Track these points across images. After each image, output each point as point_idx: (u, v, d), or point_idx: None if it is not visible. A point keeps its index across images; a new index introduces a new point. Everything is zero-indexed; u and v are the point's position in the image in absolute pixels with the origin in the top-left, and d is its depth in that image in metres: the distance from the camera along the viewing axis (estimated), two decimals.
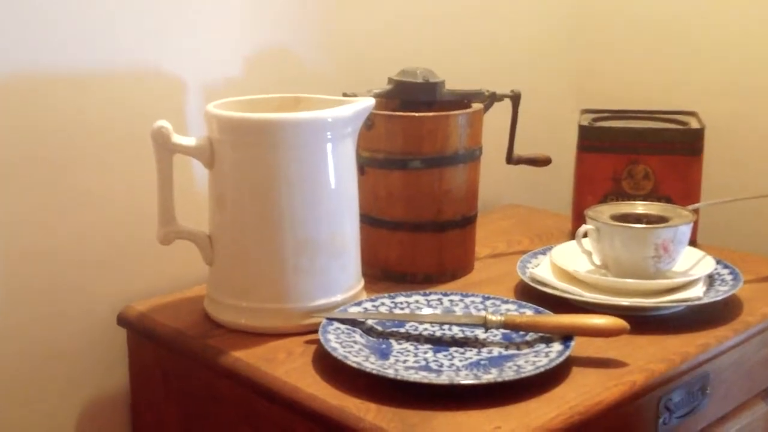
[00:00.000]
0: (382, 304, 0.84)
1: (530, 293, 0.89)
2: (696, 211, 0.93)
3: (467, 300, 0.86)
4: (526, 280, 0.89)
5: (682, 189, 0.99)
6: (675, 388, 0.78)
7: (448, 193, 0.94)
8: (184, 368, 0.83)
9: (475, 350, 0.77)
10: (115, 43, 0.88)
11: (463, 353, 0.76)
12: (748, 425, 0.90)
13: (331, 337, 0.76)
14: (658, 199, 0.99)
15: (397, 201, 0.94)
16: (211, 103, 0.84)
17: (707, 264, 0.90)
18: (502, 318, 0.77)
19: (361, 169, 0.95)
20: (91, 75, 0.86)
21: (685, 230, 0.87)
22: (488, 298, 0.85)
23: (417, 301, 0.86)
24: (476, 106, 0.96)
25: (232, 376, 0.76)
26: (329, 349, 0.74)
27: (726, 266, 0.91)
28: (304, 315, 0.81)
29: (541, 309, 0.82)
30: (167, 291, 0.92)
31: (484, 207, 1.27)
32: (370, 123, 0.92)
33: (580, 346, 0.76)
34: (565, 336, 0.76)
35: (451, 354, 0.76)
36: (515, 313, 0.82)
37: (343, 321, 0.80)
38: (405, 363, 0.74)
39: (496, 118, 1.01)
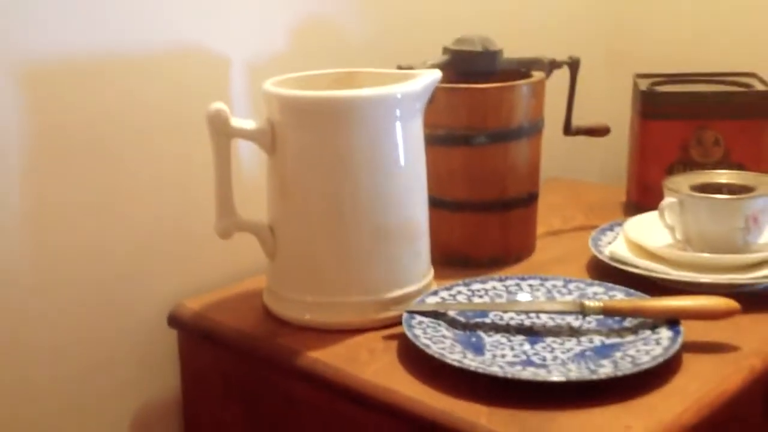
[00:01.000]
0: (459, 292, 0.78)
1: (605, 272, 0.84)
2: None
3: (548, 284, 0.80)
4: (605, 259, 0.84)
5: (754, 154, 0.94)
6: None
7: (513, 170, 0.88)
8: (250, 371, 0.76)
9: (574, 340, 0.71)
10: (157, 19, 0.80)
11: (562, 344, 0.70)
12: None
13: (418, 332, 0.70)
14: (730, 167, 0.94)
15: (459, 179, 0.87)
16: (268, 80, 0.76)
17: None
18: (600, 304, 0.72)
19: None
20: (136, 54, 0.79)
21: None
22: (570, 281, 0.80)
23: (494, 288, 0.79)
24: (538, 74, 0.90)
25: (312, 378, 0.70)
26: (421, 346, 0.67)
27: None
28: (379, 308, 0.75)
29: (631, 291, 0.76)
30: (219, 285, 0.85)
31: None
32: (430, 96, 0.85)
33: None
34: (669, 320, 0.71)
35: (549, 346, 0.70)
36: (604, 296, 0.76)
37: (424, 314, 0.74)
38: (504, 358, 0.68)
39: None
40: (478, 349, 0.70)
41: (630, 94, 1.04)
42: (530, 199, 0.91)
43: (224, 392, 0.80)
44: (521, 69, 0.92)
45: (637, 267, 0.82)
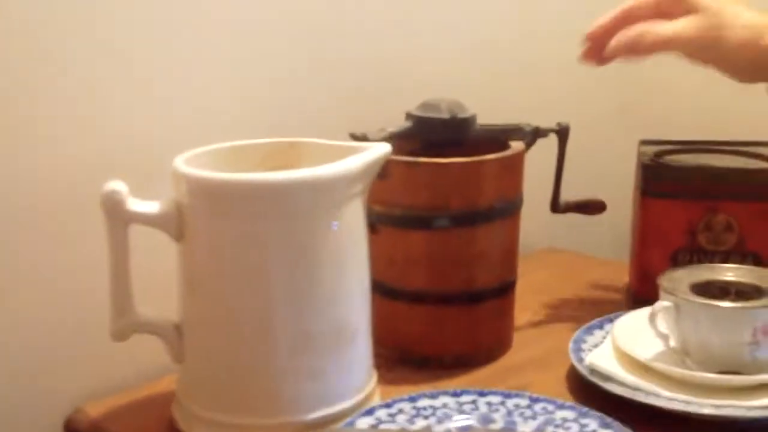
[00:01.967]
0: (401, 411, 0.66)
1: (585, 386, 0.71)
2: None
3: (510, 403, 0.66)
4: (584, 372, 0.70)
5: None
6: None
7: (482, 257, 0.75)
8: None
9: None
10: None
11: None
12: None
13: None
14: (744, 257, 0.80)
15: (418, 267, 0.75)
16: (181, 155, 0.65)
17: None
18: None
19: (373, 227, 0.76)
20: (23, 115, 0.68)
21: None
22: (537, 401, 0.66)
23: (445, 405, 0.67)
24: (516, 145, 0.77)
25: None
26: None
27: None
28: (302, 431, 0.63)
29: (608, 420, 0.63)
30: (131, 384, 0.74)
31: (519, 252, 1.08)
32: (383, 171, 0.73)
33: None
34: None
35: None
36: (573, 425, 0.63)
37: None
38: None
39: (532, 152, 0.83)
40: None
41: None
42: (504, 290, 0.78)
43: None
44: (500, 138, 0.79)
45: (620, 384, 0.68)
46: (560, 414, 0.65)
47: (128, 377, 0.73)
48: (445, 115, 0.75)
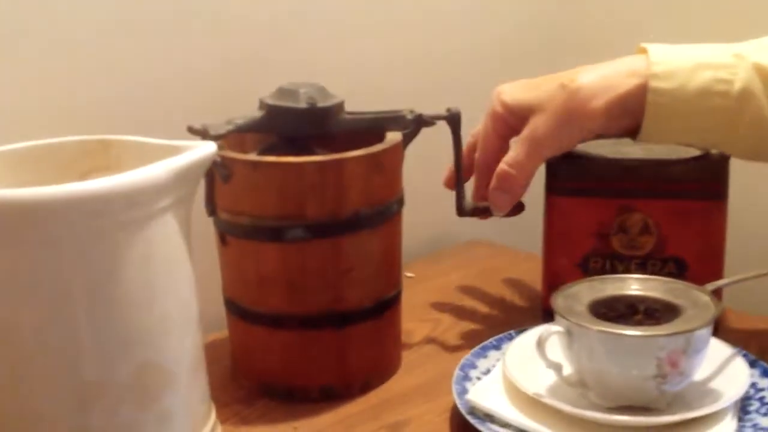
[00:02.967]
0: None
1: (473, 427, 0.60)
2: (719, 292, 0.63)
3: None
4: (462, 409, 0.59)
5: (698, 249, 0.68)
6: None
7: (349, 273, 0.63)
8: None
9: None
10: None
11: None
12: None
13: None
14: (664, 262, 0.68)
15: (273, 286, 0.63)
16: None
17: (738, 374, 0.60)
18: None
19: (222, 237, 0.65)
20: None
21: (703, 335, 0.56)
22: None
23: None
24: (391, 137, 0.66)
25: None
26: None
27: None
28: None
29: None
30: None
31: (434, 246, 0.97)
32: (226, 173, 0.62)
33: None
34: None
35: None
36: None
37: None
38: None
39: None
40: None
41: None
42: (380, 308, 0.66)
43: None
44: (376, 128, 0.67)
45: (502, 425, 0.57)
46: None
47: None
48: (302, 104, 0.63)
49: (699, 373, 0.59)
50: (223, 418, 0.62)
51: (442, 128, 0.70)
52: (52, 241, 0.48)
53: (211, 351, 0.63)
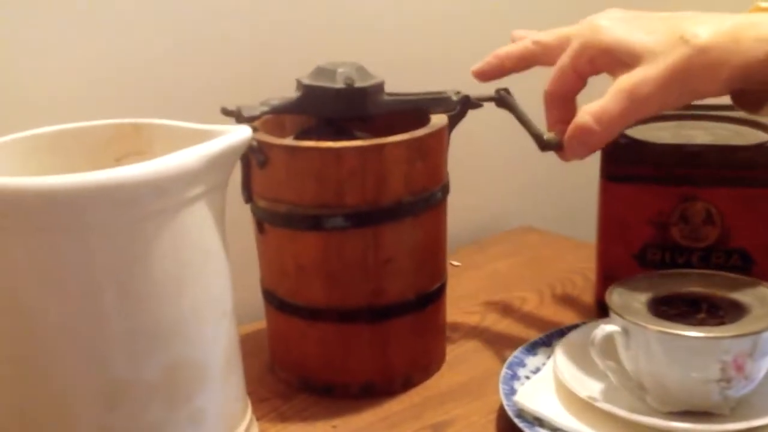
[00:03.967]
0: None
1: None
2: None
3: None
4: (510, 411, 0.56)
5: (766, 241, 0.63)
6: None
7: (389, 264, 0.60)
8: None
9: None
10: None
11: None
12: None
13: None
14: (728, 255, 0.64)
15: (312, 277, 0.60)
16: None
17: None
18: None
19: (260, 225, 0.62)
20: None
21: None
22: None
23: None
24: (436, 120, 0.62)
25: None
26: None
27: None
28: None
29: None
30: None
31: (481, 232, 0.93)
32: (263, 158, 0.59)
33: None
34: None
35: None
36: None
37: None
38: None
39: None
40: None
41: None
42: (423, 302, 0.62)
43: None
44: (420, 110, 0.64)
45: (551, 429, 0.54)
46: None
47: None
48: (339, 84, 0.60)
49: (766, 376, 0.55)
50: (259, 414, 0.60)
51: (491, 111, 0.66)
52: (79, 230, 0.46)
53: (250, 342, 0.61)
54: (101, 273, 0.47)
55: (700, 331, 0.51)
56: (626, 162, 0.65)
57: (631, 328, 0.53)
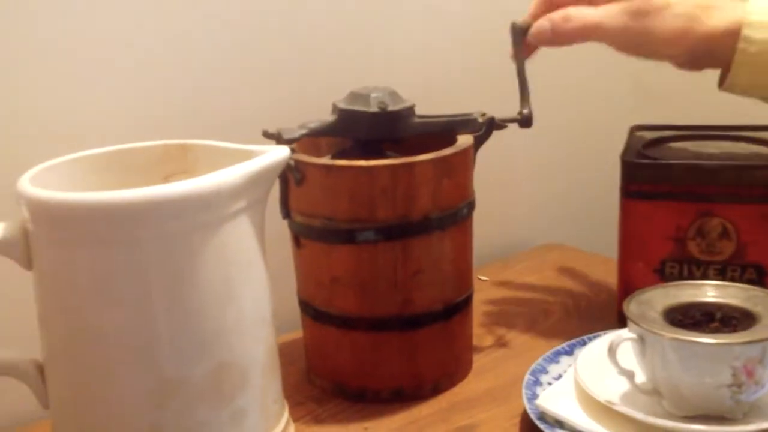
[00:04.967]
0: None
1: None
2: None
3: None
4: (533, 416, 0.59)
5: None
6: None
7: (418, 275, 0.63)
8: None
9: None
10: None
11: None
12: None
13: None
14: (743, 269, 0.67)
15: (345, 288, 0.64)
16: (39, 166, 0.56)
17: None
18: None
19: (297, 240, 0.66)
20: None
21: None
22: None
23: None
24: (462, 140, 0.66)
25: None
26: None
27: None
28: None
29: None
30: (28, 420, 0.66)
31: (507, 250, 0.96)
32: (299, 176, 0.63)
33: None
34: None
35: None
36: None
37: None
38: None
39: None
40: None
41: None
42: (450, 312, 0.66)
43: None
44: (446, 131, 0.67)
45: (571, 431, 0.57)
46: None
47: (15, 417, 0.65)
48: (373, 108, 0.64)
49: None
50: (296, 417, 0.63)
51: (515, 132, 0.69)
52: (133, 242, 0.50)
53: (287, 351, 0.65)
54: (152, 281, 0.51)
55: (712, 338, 0.54)
56: (645, 180, 0.68)
57: (647, 336, 0.56)
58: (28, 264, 0.53)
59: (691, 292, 0.60)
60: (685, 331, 0.56)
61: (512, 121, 0.68)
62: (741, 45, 0.60)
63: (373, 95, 0.64)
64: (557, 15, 0.65)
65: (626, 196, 0.69)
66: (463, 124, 0.67)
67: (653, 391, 0.58)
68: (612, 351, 0.57)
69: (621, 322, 0.69)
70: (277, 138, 0.63)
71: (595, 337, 0.67)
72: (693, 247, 0.67)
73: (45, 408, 0.56)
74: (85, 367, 0.52)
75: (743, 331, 0.56)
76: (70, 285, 0.51)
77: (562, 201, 1.01)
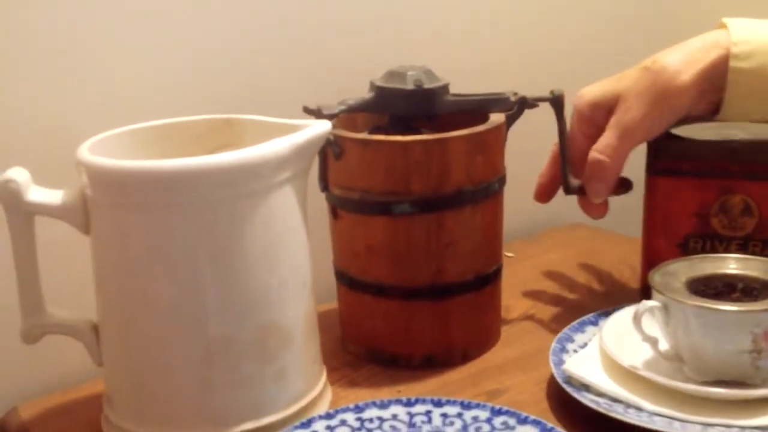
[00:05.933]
0: (343, 423, 0.58)
1: (569, 394, 0.62)
2: None
3: (468, 415, 0.58)
4: (560, 380, 0.62)
5: None
6: None
7: (450, 246, 0.66)
8: None
9: None
10: None
11: None
12: None
13: None
14: (765, 243, 0.69)
15: (380, 257, 0.67)
16: (91, 138, 0.59)
17: None
18: None
19: (334, 211, 0.69)
20: None
21: None
22: (499, 412, 0.58)
23: (395, 416, 0.59)
24: (494, 118, 0.68)
25: None
26: None
27: None
28: None
29: None
30: (66, 384, 0.68)
31: (534, 228, 0.99)
32: (338, 150, 0.66)
33: None
34: None
35: None
36: None
37: None
38: None
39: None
40: None
41: None
42: (480, 282, 0.69)
43: None
44: (479, 109, 0.70)
45: (597, 395, 0.60)
46: (521, 431, 0.57)
47: (68, 376, 0.69)
48: (409, 86, 0.67)
49: None
50: (332, 380, 0.66)
51: (546, 111, 0.72)
52: (183, 208, 0.53)
53: (323, 320, 0.67)
54: (201, 245, 0.54)
55: (734, 306, 0.57)
56: (670, 157, 0.70)
57: (671, 304, 0.58)
58: (86, 229, 0.57)
59: (714, 265, 0.63)
60: (707, 300, 0.58)
61: (544, 100, 0.71)
62: (731, 76, 0.65)
63: (410, 73, 0.67)
64: (591, 179, 0.70)
65: (652, 173, 0.72)
66: (496, 102, 0.69)
67: (675, 357, 0.60)
68: (637, 318, 0.60)
69: (644, 296, 0.71)
70: (317, 114, 0.66)
71: (619, 308, 0.69)
72: (716, 223, 0.70)
73: (98, 365, 0.60)
74: (137, 326, 0.56)
75: (764, 300, 0.58)
76: (124, 248, 0.55)
77: None
